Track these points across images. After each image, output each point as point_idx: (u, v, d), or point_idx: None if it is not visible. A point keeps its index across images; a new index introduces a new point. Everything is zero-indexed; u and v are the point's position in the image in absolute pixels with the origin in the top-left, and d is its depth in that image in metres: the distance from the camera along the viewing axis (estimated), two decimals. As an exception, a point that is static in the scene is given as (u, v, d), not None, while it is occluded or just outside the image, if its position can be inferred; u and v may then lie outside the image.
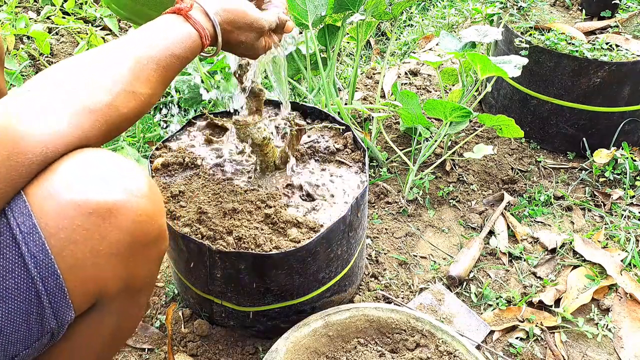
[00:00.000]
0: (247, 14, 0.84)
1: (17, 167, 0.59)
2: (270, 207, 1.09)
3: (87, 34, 2.12)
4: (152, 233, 0.67)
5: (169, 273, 1.34)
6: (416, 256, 1.43)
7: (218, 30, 0.81)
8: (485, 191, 1.64)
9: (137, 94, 0.70)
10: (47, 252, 0.60)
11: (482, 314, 1.27)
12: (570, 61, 1.62)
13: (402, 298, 1.30)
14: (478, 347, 1.20)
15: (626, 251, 1.39)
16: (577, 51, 1.63)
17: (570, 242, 1.43)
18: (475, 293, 1.32)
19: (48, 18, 2.25)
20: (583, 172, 1.69)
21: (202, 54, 0.83)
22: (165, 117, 2.00)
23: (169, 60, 0.74)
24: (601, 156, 1.64)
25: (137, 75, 0.71)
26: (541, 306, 1.28)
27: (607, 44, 1.69)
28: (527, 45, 1.67)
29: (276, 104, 1.35)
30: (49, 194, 0.61)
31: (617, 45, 1.69)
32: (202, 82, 1.65)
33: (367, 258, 1.39)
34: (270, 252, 0.99)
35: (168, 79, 0.75)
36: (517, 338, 1.21)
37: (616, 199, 1.58)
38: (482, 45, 1.96)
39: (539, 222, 1.53)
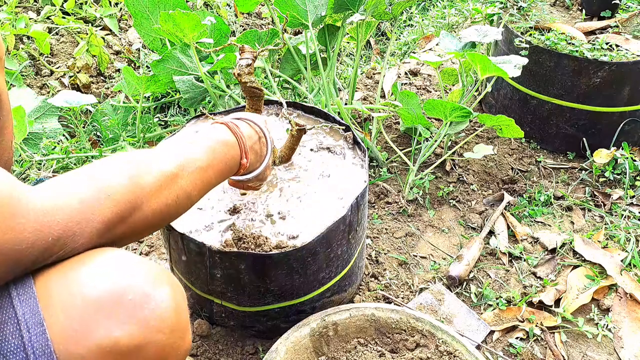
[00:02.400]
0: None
1: (8, 232, 0.54)
2: (270, 206, 1.09)
3: (87, 34, 2.12)
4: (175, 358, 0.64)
5: (169, 273, 1.34)
6: (416, 256, 1.43)
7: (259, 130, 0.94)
8: (485, 191, 1.64)
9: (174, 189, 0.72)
10: None
11: (482, 314, 1.27)
12: (570, 61, 1.62)
13: (402, 298, 1.30)
14: (478, 347, 1.20)
15: (626, 251, 1.39)
16: (577, 51, 1.63)
17: (570, 242, 1.43)
18: (475, 293, 1.32)
19: (48, 18, 2.25)
20: (583, 172, 1.69)
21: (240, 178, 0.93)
22: (165, 117, 2.00)
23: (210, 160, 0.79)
24: (601, 156, 1.64)
25: (181, 166, 0.73)
26: (541, 306, 1.28)
27: (607, 44, 1.69)
28: (527, 45, 1.67)
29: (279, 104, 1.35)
30: (65, 329, 0.55)
31: (617, 45, 1.69)
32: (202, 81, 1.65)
33: (367, 258, 1.39)
34: (270, 252, 0.99)
35: (207, 183, 0.79)
36: (517, 338, 1.21)
37: (616, 199, 1.58)
38: (482, 45, 1.96)
39: (539, 222, 1.53)
